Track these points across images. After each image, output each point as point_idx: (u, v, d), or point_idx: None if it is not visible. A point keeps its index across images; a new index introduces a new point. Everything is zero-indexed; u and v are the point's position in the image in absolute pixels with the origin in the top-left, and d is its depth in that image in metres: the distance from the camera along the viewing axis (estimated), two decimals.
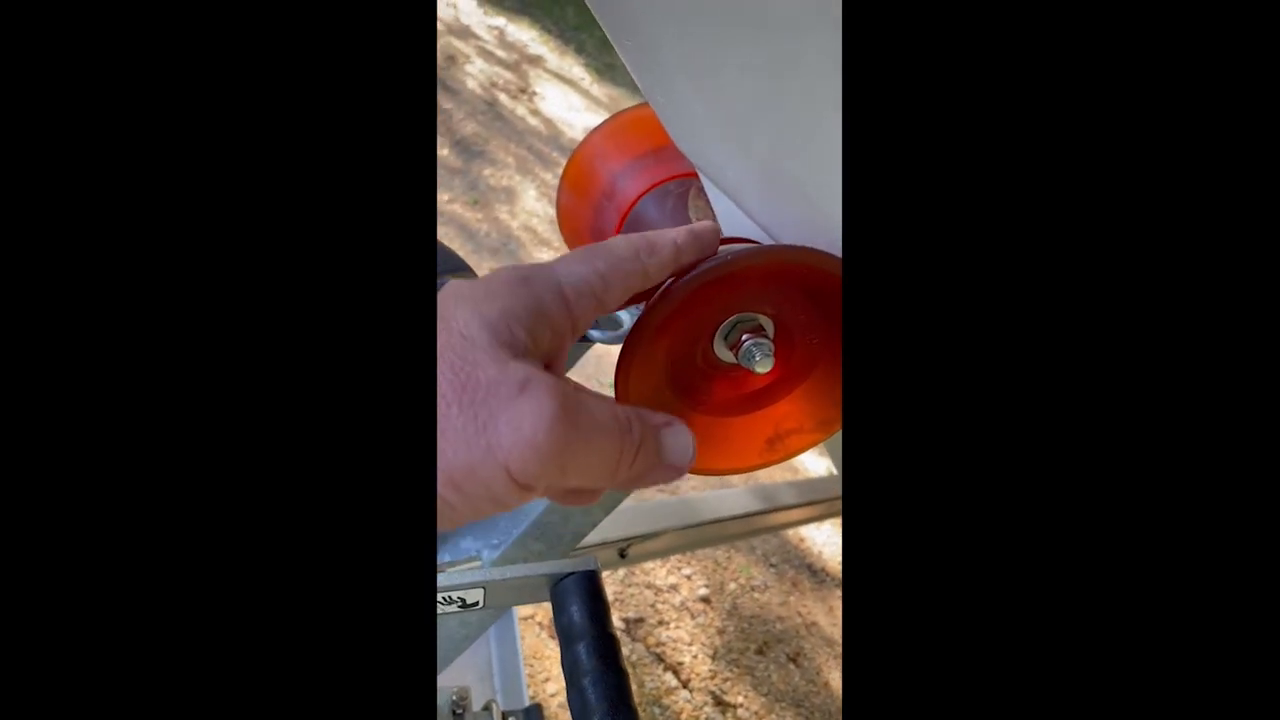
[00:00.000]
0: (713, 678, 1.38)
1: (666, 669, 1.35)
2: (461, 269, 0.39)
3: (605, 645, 0.31)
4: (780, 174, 0.32)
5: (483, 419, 0.19)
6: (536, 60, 3.39)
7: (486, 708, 0.66)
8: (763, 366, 0.32)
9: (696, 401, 0.35)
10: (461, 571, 0.35)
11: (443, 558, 0.38)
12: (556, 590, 0.34)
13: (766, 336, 0.33)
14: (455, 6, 3.33)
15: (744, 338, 0.33)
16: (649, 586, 1.46)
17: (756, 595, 1.58)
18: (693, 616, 1.46)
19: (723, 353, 0.34)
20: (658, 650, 1.37)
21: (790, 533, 1.78)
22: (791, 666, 1.48)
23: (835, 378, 0.35)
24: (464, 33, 3.18)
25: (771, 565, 1.66)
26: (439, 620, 0.41)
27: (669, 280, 0.28)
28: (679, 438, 0.24)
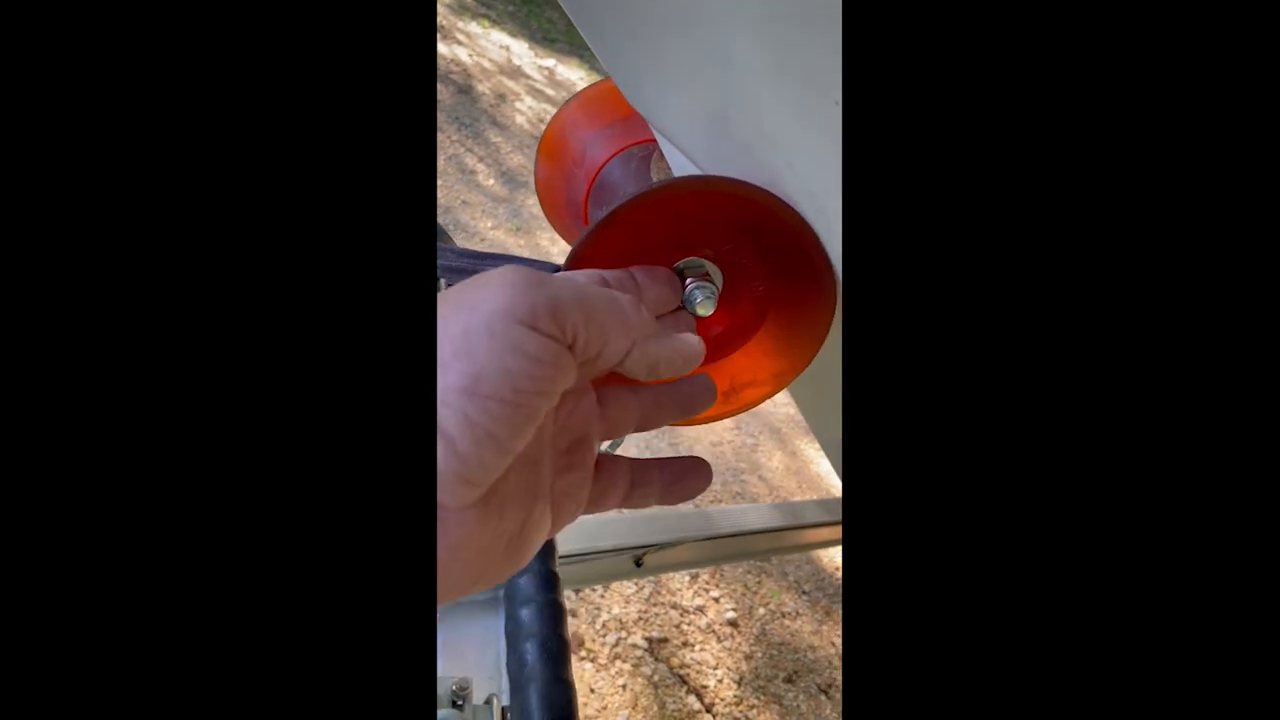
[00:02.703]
0: (738, 704, 1.34)
1: (689, 691, 1.32)
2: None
3: (550, 611, 0.31)
4: (723, 122, 0.33)
5: (454, 302, 0.20)
6: None
7: (488, 701, 0.66)
8: (704, 309, 0.33)
9: None
10: None
11: None
12: None
13: (712, 282, 0.34)
14: (508, 49, 3.49)
15: (688, 282, 0.33)
16: (674, 606, 1.44)
17: (787, 622, 1.53)
18: (719, 640, 1.43)
19: None
20: (681, 672, 1.34)
21: (824, 560, 1.72)
22: (823, 698, 1.42)
23: (785, 329, 0.35)
24: (515, 73, 3.32)
25: (804, 592, 1.61)
26: None
27: (596, 216, 0.29)
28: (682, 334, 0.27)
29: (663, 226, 0.31)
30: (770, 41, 0.29)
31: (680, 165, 0.39)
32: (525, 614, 0.31)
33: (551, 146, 0.43)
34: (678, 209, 0.30)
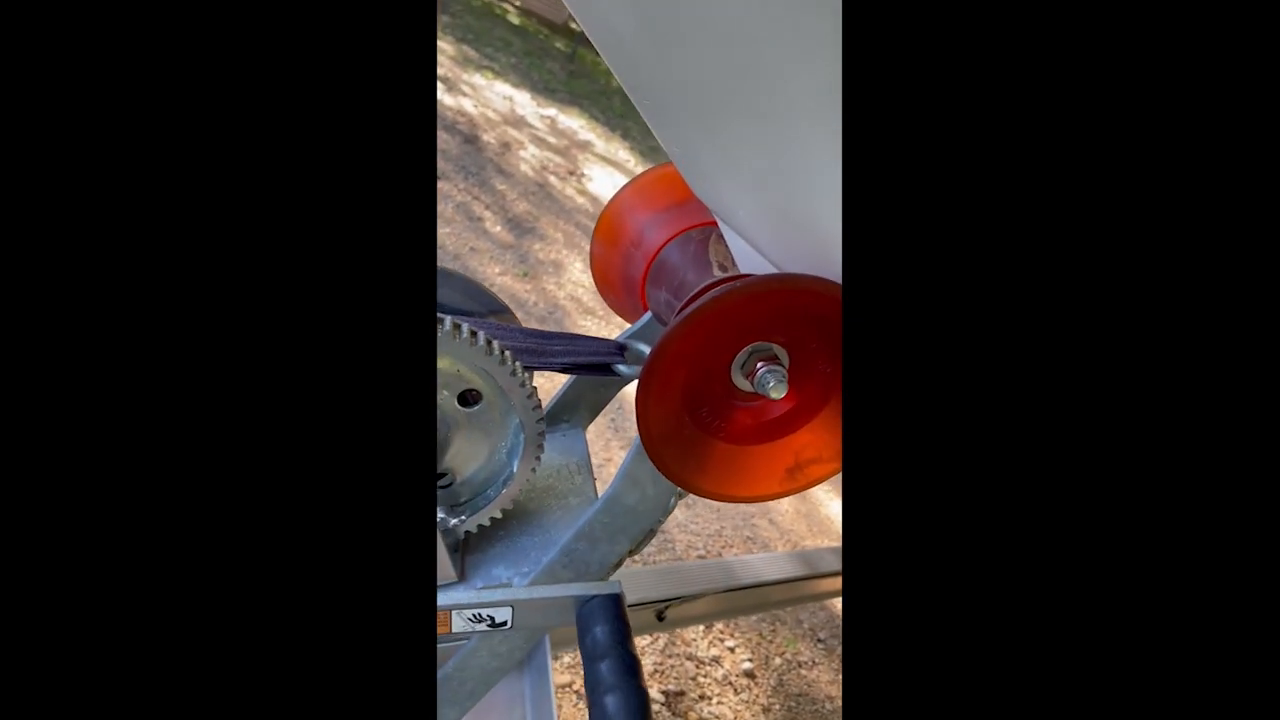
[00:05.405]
0: None
1: None
2: (500, 310, 0.43)
3: (626, 663, 0.31)
4: (789, 214, 0.35)
5: None
6: (585, 145, 3.58)
7: None
8: (776, 392, 0.34)
9: (717, 429, 0.37)
10: (491, 591, 0.36)
11: (475, 584, 0.40)
12: (582, 611, 0.35)
13: (781, 364, 0.35)
14: (511, 99, 3.58)
15: (759, 365, 0.35)
16: (690, 658, 1.42)
17: (804, 672, 1.51)
18: (736, 692, 1.41)
19: (740, 381, 0.36)
20: None
21: (839, 607, 1.71)
22: None
23: None
24: (519, 122, 3.39)
25: (819, 641, 1.60)
26: (470, 650, 0.42)
27: (679, 310, 0.31)
28: None
29: (739, 318, 0.32)
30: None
31: (739, 248, 0.41)
32: (604, 667, 0.31)
33: (609, 229, 0.45)
34: (754, 304, 0.32)
